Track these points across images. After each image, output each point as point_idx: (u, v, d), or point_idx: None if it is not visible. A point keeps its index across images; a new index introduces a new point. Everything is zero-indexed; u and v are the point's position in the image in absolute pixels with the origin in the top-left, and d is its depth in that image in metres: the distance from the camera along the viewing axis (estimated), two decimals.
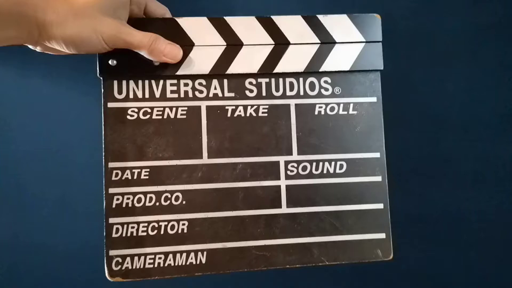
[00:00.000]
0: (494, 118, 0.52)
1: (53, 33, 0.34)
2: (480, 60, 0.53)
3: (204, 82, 0.40)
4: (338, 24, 0.41)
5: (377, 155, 0.41)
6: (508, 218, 0.52)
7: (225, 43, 0.39)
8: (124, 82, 0.39)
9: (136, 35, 0.36)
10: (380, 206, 0.41)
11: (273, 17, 0.40)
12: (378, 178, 0.41)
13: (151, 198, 0.39)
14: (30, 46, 0.36)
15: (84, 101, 0.50)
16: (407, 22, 0.52)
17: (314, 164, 0.40)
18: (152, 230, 0.38)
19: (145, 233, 0.38)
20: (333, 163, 0.40)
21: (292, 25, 0.40)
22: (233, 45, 0.40)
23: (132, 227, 0.38)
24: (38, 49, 0.37)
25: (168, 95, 0.39)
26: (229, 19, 0.40)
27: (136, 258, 0.38)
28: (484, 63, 0.53)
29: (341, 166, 0.40)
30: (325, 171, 0.40)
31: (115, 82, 0.39)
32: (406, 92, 0.47)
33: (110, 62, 0.38)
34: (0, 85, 0.49)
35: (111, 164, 0.38)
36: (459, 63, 0.52)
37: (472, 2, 0.52)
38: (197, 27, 0.39)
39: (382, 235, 0.40)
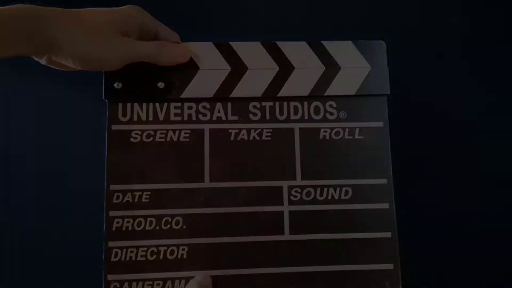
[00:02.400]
0: (494, 118, 0.51)
1: (62, 51, 0.34)
2: (480, 60, 0.52)
3: (208, 105, 0.40)
4: (343, 51, 0.40)
5: (384, 181, 0.40)
6: (509, 218, 0.50)
7: (229, 68, 0.40)
8: (128, 105, 0.39)
9: (144, 44, 0.37)
10: (387, 235, 0.39)
11: (278, 42, 0.40)
12: (385, 205, 0.39)
13: (151, 222, 0.38)
14: (35, 58, 0.37)
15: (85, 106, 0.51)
16: (407, 22, 0.52)
17: (319, 189, 0.39)
18: (151, 255, 0.38)
19: (144, 258, 0.37)
20: (338, 188, 0.39)
21: (297, 51, 0.40)
22: (238, 69, 0.40)
23: (131, 252, 0.38)
24: (42, 61, 0.37)
25: (172, 118, 0.39)
26: (234, 45, 0.40)
27: (134, 283, 0.37)
28: (485, 63, 0.52)
29: (346, 192, 0.39)
30: (329, 197, 0.39)
31: (120, 105, 0.39)
32: (406, 92, 0.47)
33: (115, 85, 0.38)
34: (0, 85, 0.50)
35: (113, 187, 0.38)
36: (459, 62, 0.52)
37: (472, 2, 0.53)
38: (203, 52, 0.40)
39: (390, 266, 0.38)
